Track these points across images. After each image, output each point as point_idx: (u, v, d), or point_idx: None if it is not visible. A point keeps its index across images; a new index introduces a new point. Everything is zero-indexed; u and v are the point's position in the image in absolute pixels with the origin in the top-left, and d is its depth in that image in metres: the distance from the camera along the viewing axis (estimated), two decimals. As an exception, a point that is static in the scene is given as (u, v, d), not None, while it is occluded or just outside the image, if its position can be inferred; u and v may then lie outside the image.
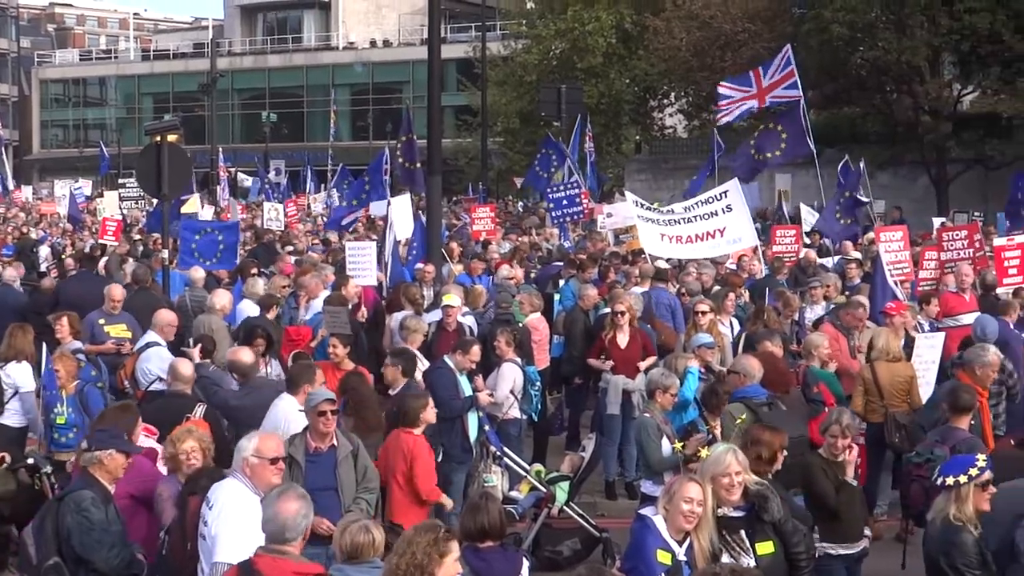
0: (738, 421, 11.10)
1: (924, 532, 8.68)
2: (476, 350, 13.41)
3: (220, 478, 8.37)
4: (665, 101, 60.69)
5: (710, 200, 21.08)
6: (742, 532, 8.28)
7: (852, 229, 25.87)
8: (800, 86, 26.75)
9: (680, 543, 7.84)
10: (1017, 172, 28.11)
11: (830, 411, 10.75)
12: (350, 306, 16.55)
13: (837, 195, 26.39)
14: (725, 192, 21.09)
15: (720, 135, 31.47)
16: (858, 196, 25.96)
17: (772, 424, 10.50)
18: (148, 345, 13.88)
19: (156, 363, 13.24)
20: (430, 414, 11.17)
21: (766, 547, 8.32)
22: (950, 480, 8.09)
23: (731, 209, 20.75)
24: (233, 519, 7.86)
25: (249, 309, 16.75)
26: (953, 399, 10.99)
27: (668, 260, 21.88)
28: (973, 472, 8.09)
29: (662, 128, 62.68)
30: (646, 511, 8.06)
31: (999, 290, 18.07)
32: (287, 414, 10.81)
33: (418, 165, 24.51)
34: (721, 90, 29.04)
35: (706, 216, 20.81)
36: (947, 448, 10.26)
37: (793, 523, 8.53)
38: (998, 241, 19.06)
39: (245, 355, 12.56)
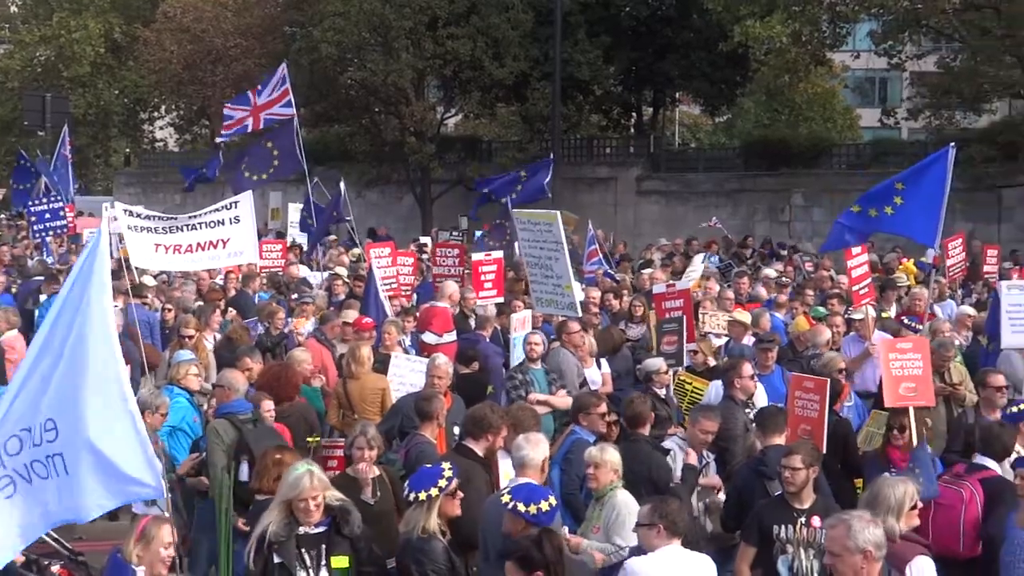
0: None
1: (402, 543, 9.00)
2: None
3: None
4: (156, 114, 59.63)
5: (219, 208, 20.68)
6: (321, 547, 8.36)
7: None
8: (294, 104, 26.94)
9: None
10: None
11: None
12: None
13: (328, 212, 26.75)
14: (236, 203, 20.71)
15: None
16: (341, 214, 26.48)
17: (255, 442, 10.59)
18: None
19: None
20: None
21: (341, 561, 8.42)
22: (422, 495, 8.41)
23: (238, 221, 20.40)
24: None
25: None
26: (415, 408, 11.53)
27: (157, 276, 21.47)
28: (442, 484, 8.46)
29: (153, 141, 61.57)
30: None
31: (479, 302, 18.86)
32: None
33: None
34: (226, 111, 28.83)
35: (212, 224, 20.22)
36: (403, 453, 10.75)
37: (366, 540, 8.65)
38: (476, 256, 19.85)
39: None
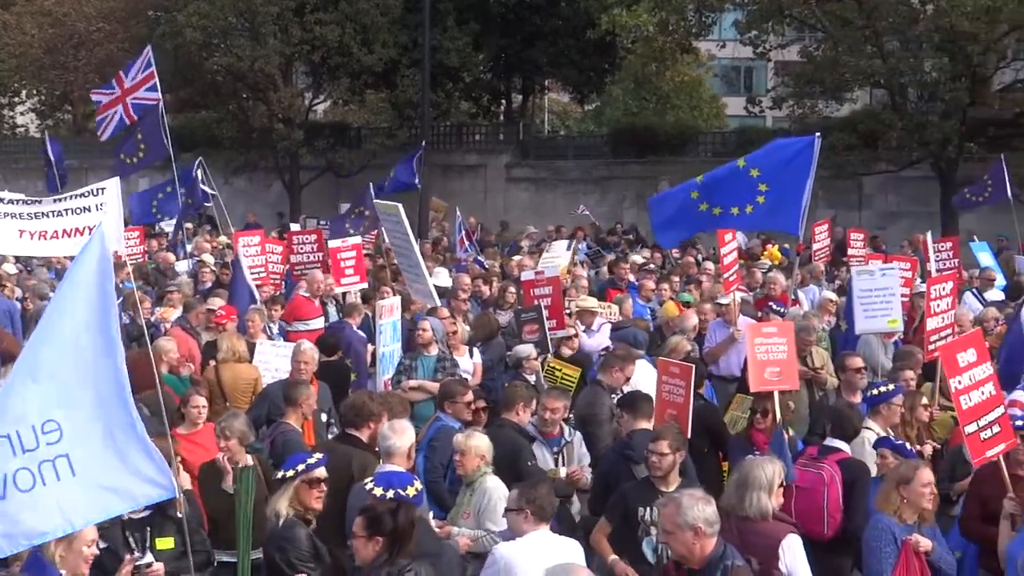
0: None
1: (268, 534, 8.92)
2: None
3: None
4: (16, 99, 58.15)
5: (86, 194, 20.20)
6: (146, 530, 8.50)
7: None
8: (159, 88, 26.49)
9: None
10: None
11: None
12: None
13: (193, 197, 26.35)
14: (103, 189, 20.24)
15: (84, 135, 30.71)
16: (199, 201, 26.14)
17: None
18: None
19: None
20: None
21: (166, 543, 8.63)
22: (280, 474, 8.38)
23: (103, 208, 19.97)
24: None
25: None
26: (284, 394, 11.49)
27: (16, 263, 21.02)
28: (300, 467, 8.41)
29: (13, 127, 60.08)
30: None
31: (337, 290, 18.74)
32: None
33: None
34: (94, 97, 28.27)
35: (78, 211, 19.71)
36: (268, 442, 10.67)
37: (199, 521, 8.82)
38: (333, 243, 19.69)
39: None
